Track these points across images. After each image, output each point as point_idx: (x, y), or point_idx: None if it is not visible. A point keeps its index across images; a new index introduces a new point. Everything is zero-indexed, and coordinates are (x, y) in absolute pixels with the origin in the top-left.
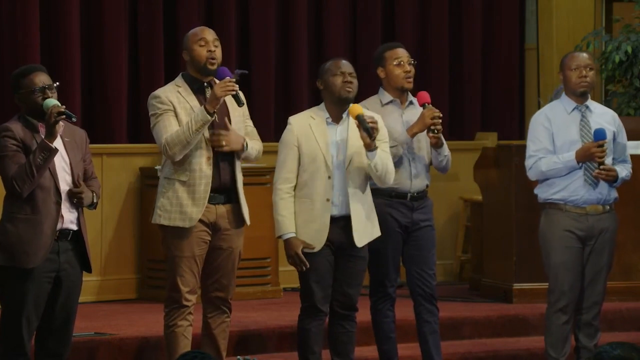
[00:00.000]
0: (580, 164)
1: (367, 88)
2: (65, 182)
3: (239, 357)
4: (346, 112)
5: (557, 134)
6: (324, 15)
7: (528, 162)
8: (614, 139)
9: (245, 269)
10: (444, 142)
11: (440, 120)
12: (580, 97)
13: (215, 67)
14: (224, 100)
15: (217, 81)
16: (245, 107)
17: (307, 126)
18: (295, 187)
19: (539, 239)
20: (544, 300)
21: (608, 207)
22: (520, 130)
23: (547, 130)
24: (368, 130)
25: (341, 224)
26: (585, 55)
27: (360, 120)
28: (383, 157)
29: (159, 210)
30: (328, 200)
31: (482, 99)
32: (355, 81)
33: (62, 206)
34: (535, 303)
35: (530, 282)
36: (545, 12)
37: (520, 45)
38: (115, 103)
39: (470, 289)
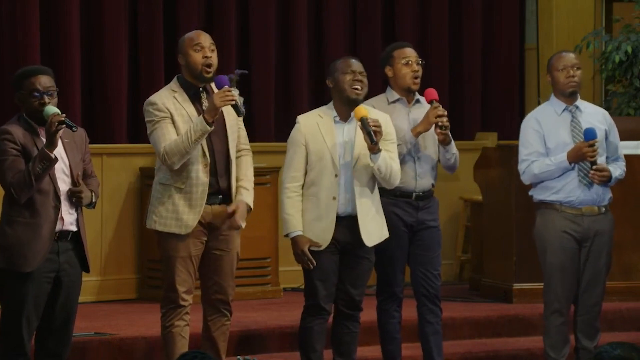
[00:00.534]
0: (573, 165)
1: (367, 88)
2: (64, 184)
3: (239, 357)
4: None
5: (548, 136)
6: (324, 15)
7: (521, 167)
8: (606, 137)
9: (245, 269)
10: (452, 139)
11: (447, 118)
12: (569, 97)
13: (210, 75)
14: None
15: (212, 86)
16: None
17: (314, 125)
18: (303, 185)
19: (535, 239)
20: None
21: (604, 209)
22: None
23: (537, 133)
24: (370, 134)
25: (347, 223)
26: (572, 55)
27: (364, 124)
28: (387, 159)
29: (155, 216)
30: (334, 198)
31: (482, 99)
32: (365, 80)
33: (62, 208)
34: (535, 303)
35: (530, 282)
36: (545, 12)
37: (520, 45)
38: (115, 103)
39: (470, 289)
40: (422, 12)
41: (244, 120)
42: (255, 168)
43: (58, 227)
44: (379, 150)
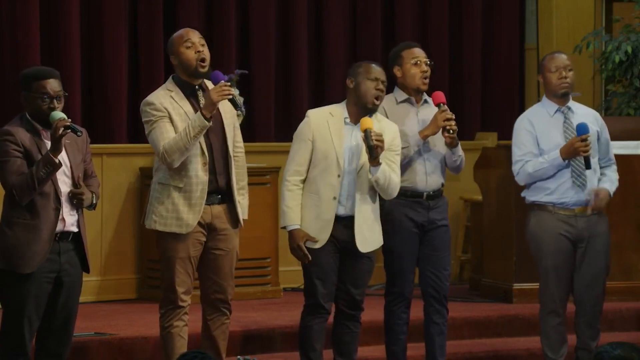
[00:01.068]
0: (567, 161)
1: None
2: (65, 186)
3: (239, 357)
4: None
5: (540, 137)
6: (324, 15)
7: (515, 168)
8: (598, 138)
9: (245, 269)
10: (459, 142)
11: (454, 122)
12: (561, 98)
13: (206, 69)
14: None
15: (207, 83)
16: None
17: (324, 122)
18: (304, 180)
19: (529, 241)
20: None
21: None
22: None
23: (530, 134)
24: (371, 149)
25: (347, 223)
26: (564, 56)
27: (367, 137)
28: (387, 172)
29: (154, 216)
30: (335, 198)
31: (482, 99)
32: (385, 89)
33: (63, 210)
34: (535, 303)
35: (530, 282)
36: (545, 12)
37: (520, 45)
38: (115, 103)
39: (470, 289)
40: (422, 12)
41: (244, 120)
42: (255, 168)
43: (59, 228)
44: (379, 164)
